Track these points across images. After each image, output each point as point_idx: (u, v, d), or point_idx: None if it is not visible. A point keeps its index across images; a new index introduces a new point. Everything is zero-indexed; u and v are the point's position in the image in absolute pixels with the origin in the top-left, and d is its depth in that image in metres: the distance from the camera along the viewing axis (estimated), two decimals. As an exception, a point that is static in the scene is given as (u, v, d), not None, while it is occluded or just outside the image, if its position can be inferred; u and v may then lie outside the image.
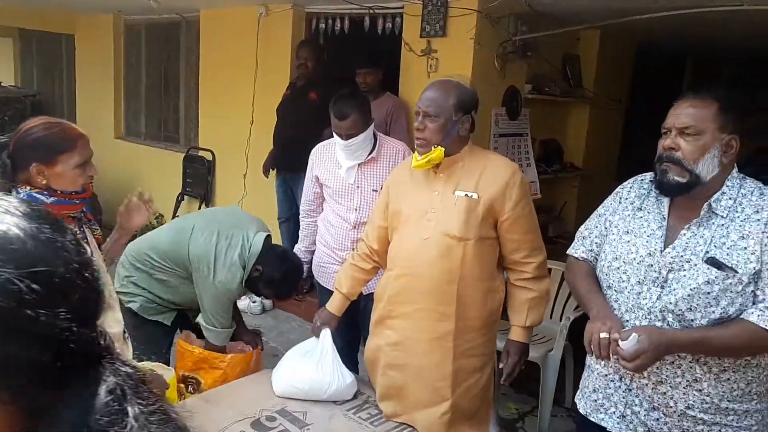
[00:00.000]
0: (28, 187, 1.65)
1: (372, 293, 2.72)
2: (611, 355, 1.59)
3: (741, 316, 1.53)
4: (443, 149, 2.06)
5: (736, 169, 1.65)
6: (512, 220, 2.07)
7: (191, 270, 2.61)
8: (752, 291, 1.53)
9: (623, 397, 1.71)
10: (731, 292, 1.52)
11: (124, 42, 6.54)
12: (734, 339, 1.52)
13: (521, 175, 2.14)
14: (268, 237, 2.72)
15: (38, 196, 1.64)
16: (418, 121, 2.08)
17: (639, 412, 1.68)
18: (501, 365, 2.20)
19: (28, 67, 8.59)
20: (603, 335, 1.58)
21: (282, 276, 2.68)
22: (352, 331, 2.99)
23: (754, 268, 1.51)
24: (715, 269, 1.53)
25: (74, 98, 7.43)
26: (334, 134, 2.72)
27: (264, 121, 4.76)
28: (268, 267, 2.64)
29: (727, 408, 1.61)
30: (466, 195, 2.08)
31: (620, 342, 1.54)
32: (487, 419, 2.30)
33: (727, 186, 1.61)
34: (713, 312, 1.54)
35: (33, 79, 8.49)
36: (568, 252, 1.96)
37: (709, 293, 1.54)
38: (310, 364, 2.28)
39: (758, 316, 1.50)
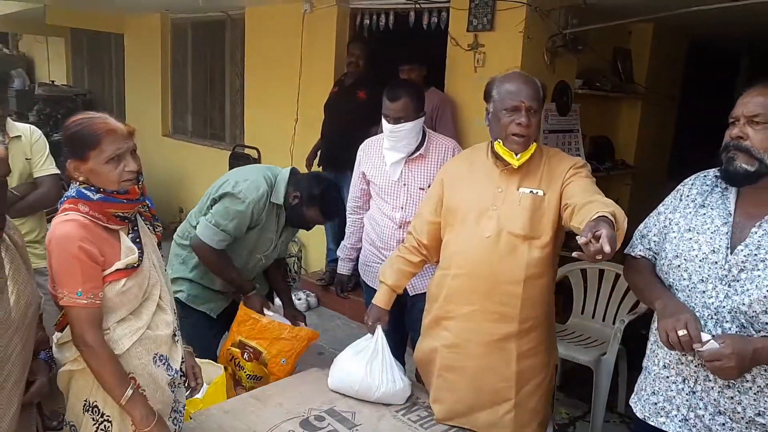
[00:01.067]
0: (78, 183, 1.66)
1: (419, 294, 2.68)
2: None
3: None
4: (535, 145, 2.01)
5: None
6: (574, 180, 1.98)
7: (218, 196, 2.61)
8: None
9: (686, 400, 1.63)
10: None
11: (171, 40, 6.65)
12: None
13: (583, 162, 2.08)
14: (294, 168, 2.73)
15: (86, 191, 1.64)
16: (522, 116, 1.96)
17: (703, 416, 1.60)
18: (590, 236, 1.60)
19: (79, 66, 8.82)
20: (682, 333, 1.51)
21: (322, 190, 2.62)
22: (398, 332, 2.94)
23: None
24: None
25: (123, 96, 7.59)
26: (383, 121, 2.65)
27: (308, 118, 4.76)
28: (305, 188, 2.61)
29: None
30: (531, 192, 2.01)
31: (696, 346, 1.48)
32: (549, 419, 2.25)
33: None
34: None
35: (84, 78, 8.72)
36: (625, 252, 1.88)
37: None
38: (361, 364, 2.24)
39: None
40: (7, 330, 1.39)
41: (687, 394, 1.63)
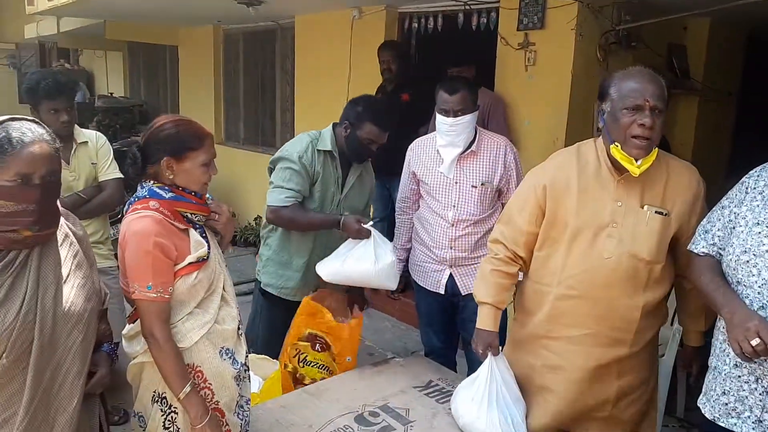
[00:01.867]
0: (152, 182, 1.72)
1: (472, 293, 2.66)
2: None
3: None
4: (656, 150, 1.82)
5: None
6: (684, 228, 1.90)
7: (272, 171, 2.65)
8: None
9: (760, 400, 1.57)
10: None
11: (224, 51, 6.84)
12: None
13: (701, 179, 1.93)
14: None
15: (158, 191, 1.71)
16: (646, 117, 1.76)
17: None
18: (686, 372, 2.15)
19: (135, 78, 9.17)
20: (756, 342, 1.46)
21: (365, 104, 2.59)
22: (449, 332, 2.93)
23: None
24: None
25: (177, 106, 7.83)
26: (439, 117, 2.64)
27: (358, 122, 4.80)
28: (349, 113, 2.58)
29: None
30: (659, 212, 1.86)
31: None
32: (653, 427, 2.15)
33: None
34: None
35: (140, 89, 9.05)
36: (688, 248, 1.83)
37: None
38: (481, 410, 2.01)
39: None
40: (68, 323, 1.44)
41: (761, 393, 1.57)
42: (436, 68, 4.18)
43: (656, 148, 1.82)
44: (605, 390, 1.98)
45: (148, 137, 1.75)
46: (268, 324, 2.77)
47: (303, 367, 2.67)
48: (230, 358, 1.77)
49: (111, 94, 8.87)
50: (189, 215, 1.74)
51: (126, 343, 1.78)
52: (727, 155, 5.28)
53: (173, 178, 1.72)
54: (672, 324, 3.13)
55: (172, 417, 1.72)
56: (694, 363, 2.09)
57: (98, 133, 2.91)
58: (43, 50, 11.46)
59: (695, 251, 1.79)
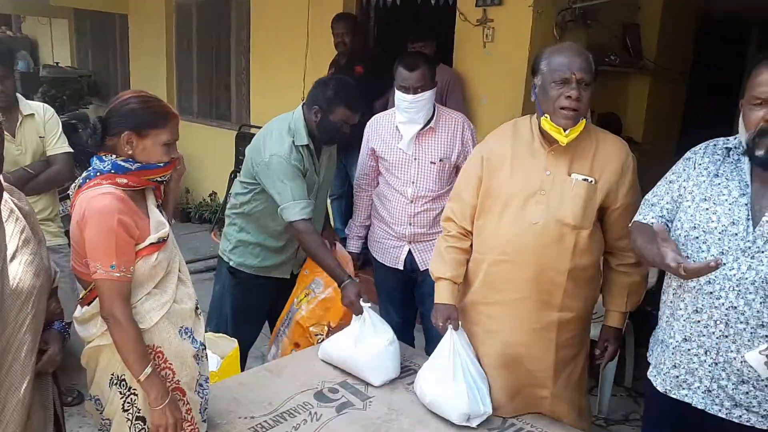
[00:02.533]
0: (114, 156, 1.67)
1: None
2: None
3: None
4: (584, 121, 1.89)
5: None
6: (623, 208, 1.96)
7: (257, 173, 2.52)
8: None
9: (709, 372, 1.64)
10: None
11: (176, 21, 6.63)
12: None
13: (631, 153, 1.99)
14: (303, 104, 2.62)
15: (123, 164, 1.66)
16: (572, 89, 1.84)
17: (726, 386, 1.61)
18: (597, 352, 2.14)
19: (83, 47, 8.81)
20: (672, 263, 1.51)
21: (335, 86, 2.49)
22: (408, 307, 2.97)
23: None
24: None
25: (128, 77, 7.58)
26: (398, 93, 2.62)
27: (315, 96, 4.74)
28: (319, 97, 2.49)
29: None
30: (585, 180, 1.93)
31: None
32: (587, 409, 2.22)
33: None
34: None
35: (88, 59, 8.71)
36: (634, 219, 1.87)
37: None
38: (448, 384, 2.00)
39: None
40: (17, 299, 1.41)
41: (709, 365, 1.63)
42: (395, 42, 4.15)
43: (584, 120, 1.90)
44: (544, 360, 2.04)
45: (110, 109, 1.70)
46: (242, 303, 2.70)
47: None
48: (189, 337, 1.75)
49: (57, 63, 8.50)
50: (159, 178, 1.72)
51: (79, 326, 1.73)
52: (678, 133, 5.42)
53: (131, 154, 1.67)
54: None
55: (131, 399, 1.69)
56: (609, 344, 2.12)
57: (45, 105, 2.79)
58: (-18, 16, 10.89)
59: (643, 221, 1.82)
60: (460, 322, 2.10)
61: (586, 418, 2.20)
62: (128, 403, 1.69)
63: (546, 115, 1.91)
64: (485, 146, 2.13)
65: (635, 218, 1.86)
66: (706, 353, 1.64)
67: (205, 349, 1.84)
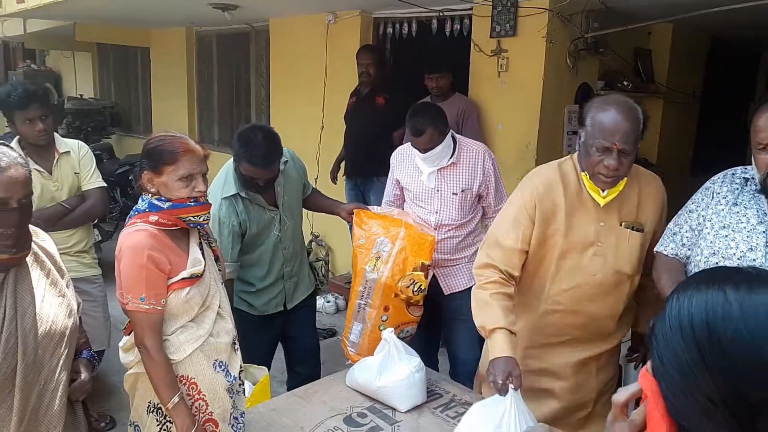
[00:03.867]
0: (150, 195, 1.78)
1: (455, 292, 2.76)
2: None
3: None
4: (625, 180, 1.91)
5: None
6: (658, 236, 2.01)
7: None
8: None
9: None
10: None
11: (197, 53, 6.81)
12: None
13: (663, 189, 2.05)
14: None
15: (156, 202, 1.76)
16: (612, 159, 1.79)
17: None
18: (635, 355, 2.27)
19: (105, 79, 9.04)
20: None
21: (241, 141, 2.42)
22: (432, 330, 3.03)
23: None
24: None
25: (150, 108, 7.77)
26: (411, 142, 2.76)
27: (334, 126, 4.87)
28: (234, 146, 2.47)
29: None
30: (637, 230, 1.97)
31: None
32: None
33: None
34: None
35: (111, 91, 8.92)
36: (656, 249, 1.95)
37: None
38: None
39: None
40: (51, 341, 1.49)
41: None
42: (412, 73, 4.26)
43: (625, 179, 1.90)
44: (588, 385, 2.10)
45: (141, 153, 1.82)
46: (242, 341, 2.70)
47: (417, 294, 2.64)
48: (224, 370, 1.82)
49: (81, 95, 8.73)
50: (192, 218, 1.77)
51: (122, 354, 1.83)
52: (690, 155, 5.48)
53: (156, 192, 1.77)
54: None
55: (167, 426, 1.77)
56: (641, 347, 2.23)
57: (80, 143, 2.92)
58: (8, 50, 11.22)
59: (664, 252, 1.90)
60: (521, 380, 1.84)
61: None
62: (164, 430, 1.77)
63: (586, 172, 1.91)
64: (534, 192, 1.99)
65: (657, 247, 1.94)
66: None
67: (241, 384, 1.90)
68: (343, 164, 4.72)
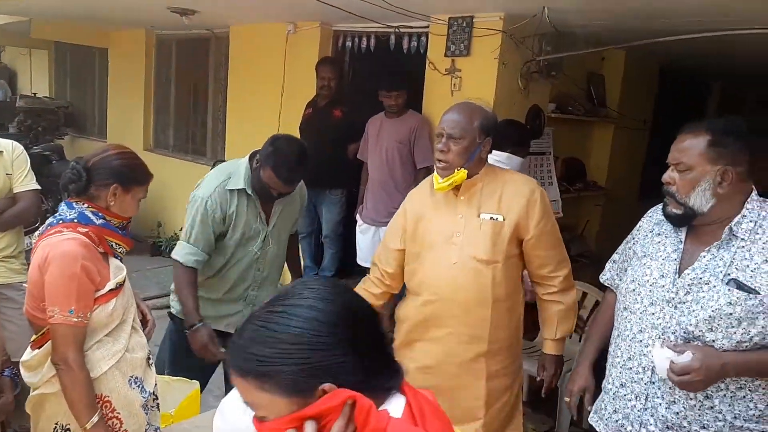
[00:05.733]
0: (86, 204, 1.74)
1: None
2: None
3: None
4: (466, 171, 2.06)
5: (755, 192, 1.66)
6: (537, 238, 2.10)
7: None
8: None
9: (638, 416, 1.72)
10: (753, 313, 1.54)
11: (155, 56, 6.71)
12: None
13: (541, 189, 2.15)
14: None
15: (90, 215, 1.73)
16: (442, 143, 2.06)
17: (654, 431, 1.68)
18: (539, 379, 2.26)
19: (61, 79, 8.83)
20: (569, 399, 1.91)
21: (275, 147, 2.36)
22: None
23: None
24: (737, 290, 1.55)
25: (105, 110, 7.61)
26: None
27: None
28: (263, 149, 2.39)
29: (742, 427, 1.61)
30: (492, 218, 2.09)
31: (673, 358, 1.56)
32: (519, 429, 2.33)
33: (747, 209, 1.63)
34: (734, 333, 1.56)
35: (66, 90, 8.72)
36: (600, 277, 2.07)
37: (731, 314, 1.56)
38: None
39: None
40: None
41: (639, 410, 1.72)
42: (369, 87, 4.27)
43: (462, 171, 2.05)
44: (475, 389, 2.16)
45: (99, 161, 1.79)
46: (178, 350, 2.57)
47: None
48: (139, 387, 1.77)
49: (34, 94, 8.50)
50: (114, 244, 1.78)
51: (26, 372, 1.73)
52: (639, 180, 5.60)
53: (112, 205, 1.77)
54: (580, 340, 3.32)
55: None
56: (546, 370, 2.25)
57: (15, 143, 2.82)
58: (-38, 44, 10.87)
59: (602, 280, 2.04)
60: None
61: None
62: None
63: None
64: (409, 199, 2.31)
65: (601, 276, 2.04)
66: (636, 398, 1.73)
67: (155, 399, 1.85)
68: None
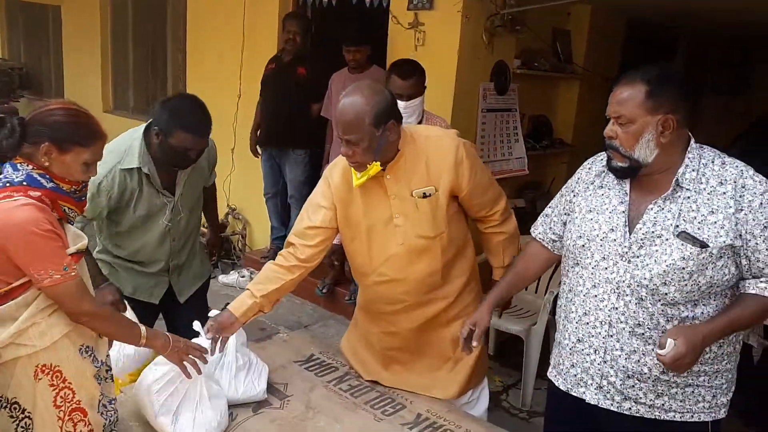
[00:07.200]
0: (30, 165, 1.61)
1: None
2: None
3: (750, 291, 1.60)
4: (378, 163, 1.97)
5: (693, 140, 1.67)
6: (471, 191, 2.08)
7: None
8: (724, 263, 1.58)
9: (599, 370, 1.74)
10: (703, 265, 1.57)
11: (111, 14, 6.46)
12: (755, 316, 1.62)
13: (462, 142, 2.08)
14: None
15: (39, 178, 1.60)
16: (344, 147, 1.95)
17: (615, 382, 1.72)
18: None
19: (14, 39, 8.48)
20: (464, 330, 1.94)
21: (172, 107, 2.24)
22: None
23: (724, 242, 1.56)
24: (690, 245, 1.57)
25: (62, 71, 7.35)
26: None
27: (251, 94, 4.72)
28: (158, 119, 2.24)
29: (699, 370, 1.66)
30: (425, 194, 2.04)
31: (657, 350, 1.58)
32: (486, 363, 2.41)
33: (689, 158, 1.63)
34: (686, 285, 1.59)
35: (20, 51, 8.39)
36: (531, 230, 2.04)
37: (683, 269, 1.58)
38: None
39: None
40: None
41: (598, 364, 1.74)
42: (332, 44, 4.17)
43: (375, 164, 1.96)
44: (440, 335, 2.22)
45: (36, 116, 1.63)
46: None
47: None
48: (90, 356, 1.71)
49: (-14, 55, 8.18)
50: (67, 209, 1.67)
51: None
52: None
53: (48, 166, 1.61)
54: (545, 294, 3.37)
55: (25, 423, 1.63)
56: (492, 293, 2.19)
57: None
58: None
59: (533, 234, 2.02)
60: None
61: (484, 369, 2.38)
62: (22, 428, 1.63)
63: None
64: (333, 178, 2.14)
65: (532, 228, 2.03)
66: (595, 352, 1.74)
67: (109, 370, 1.80)
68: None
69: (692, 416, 1.70)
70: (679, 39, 6.53)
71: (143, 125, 2.36)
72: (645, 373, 1.68)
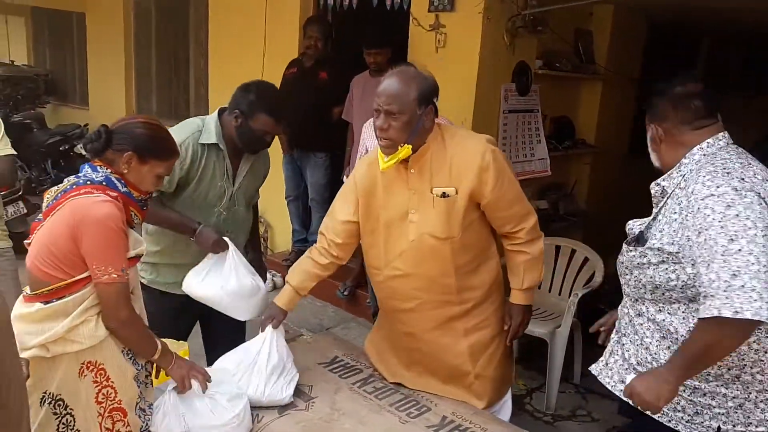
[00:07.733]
0: (109, 169, 1.73)
1: None
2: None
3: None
4: (410, 146, 1.95)
5: (698, 147, 1.71)
6: (494, 201, 2.04)
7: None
8: (667, 267, 1.65)
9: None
10: (640, 264, 1.71)
11: (134, 20, 6.55)
12: (701, 342, 1.51)
13: (492, 149, 2.03)
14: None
15: (116, 181, 1.73)
16: (381, 120, 1.93)
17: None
18: (506, 327, 2.23)
19: (40, 46, 8.63)
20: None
21: (257, 92, 2.30)
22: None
23: (654, 245, 1.69)
24: (633, 244, 1.79)
25: (86, 77, 7.46)
26: None
27: (273, 98, 4.74)
28: (240, 101, 2.30)
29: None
30: (444, 194, 2.02)
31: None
32: (511, 378, 2.38)
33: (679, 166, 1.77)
34: (629, 279, 1.81)
35: (45, 58, 8.53)
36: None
37: (622, 263, 1.84)
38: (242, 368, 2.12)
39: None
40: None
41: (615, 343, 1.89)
42: (352, 48, 4.18)
43: (407, 146, 1.93)
44: (455, 348, 2.18)
45: (122, 126, 1.78)
46: (151, 317, 2.41)
47: None
48: (131, 358, 1.77)
49: (12, 61, 8.30)
50: (133, 214, 1.78)
51: (25, 325, 1.63)
52: (628, 136, 5.57)
53: (126, 173, 1.75)
54: (569, 296, 3.34)
55: (67, 420, 1.67)
56: (511, 319, 2.21)
57: (-12, 108, 2.74)
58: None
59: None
60: (282, 325, 2.24)
61: (507, 385, 2.37)
62: (63, 425, 1.67)
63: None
64: (358, 171, 2.22)
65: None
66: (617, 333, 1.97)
67: (149, 375, 1.86)
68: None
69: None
70: (701, 40, 6.45)
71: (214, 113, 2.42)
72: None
